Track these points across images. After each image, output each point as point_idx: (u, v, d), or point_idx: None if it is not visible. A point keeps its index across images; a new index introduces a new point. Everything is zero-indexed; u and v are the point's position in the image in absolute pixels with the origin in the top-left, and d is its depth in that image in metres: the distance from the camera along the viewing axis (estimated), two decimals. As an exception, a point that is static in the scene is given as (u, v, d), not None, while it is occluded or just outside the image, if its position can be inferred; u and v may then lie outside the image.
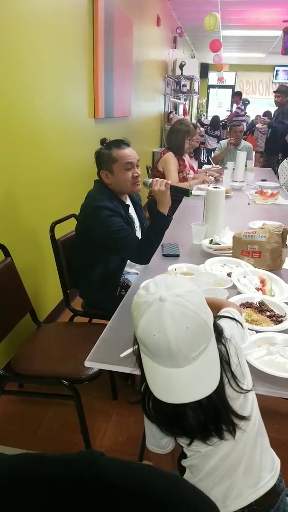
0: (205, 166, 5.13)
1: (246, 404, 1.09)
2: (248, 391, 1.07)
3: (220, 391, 1.00)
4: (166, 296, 0.95)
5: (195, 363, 0.96)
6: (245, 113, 10.62)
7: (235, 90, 14.61)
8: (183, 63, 8.44)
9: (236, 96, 10.86)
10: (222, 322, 1.17)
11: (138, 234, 2.42)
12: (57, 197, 3.16)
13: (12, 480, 0.64)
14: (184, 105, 9.95)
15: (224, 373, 1.01)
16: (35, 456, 0.69)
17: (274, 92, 6.78)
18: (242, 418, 1.05)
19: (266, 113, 10.31)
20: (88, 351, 1.47)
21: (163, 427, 1.09)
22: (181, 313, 0.93)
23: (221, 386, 1.00)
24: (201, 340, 0.96)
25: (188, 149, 4.22)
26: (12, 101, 2.44)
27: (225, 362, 1.03)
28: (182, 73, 8.52)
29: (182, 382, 0.96)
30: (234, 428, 1.03)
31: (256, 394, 1.18)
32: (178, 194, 2.36)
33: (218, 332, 1.07)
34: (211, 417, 1.01)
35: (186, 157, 4.61)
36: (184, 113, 9.81)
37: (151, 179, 2.23)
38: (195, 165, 4.98)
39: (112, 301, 2.19)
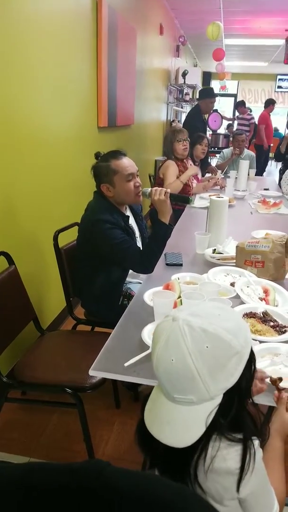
0: (208, 175, 5.13)
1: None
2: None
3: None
4: (179, 314, 0.90)
5: (192, 409, 0.90)
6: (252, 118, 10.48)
7: (238, 99, 14.59)
8: (186, 71, 8.47)
9: (241, 106, 10.73)
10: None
11: (139, 244, 2.43)
12: (61, 206, 3.17)
13: (18, 489, 0.64)
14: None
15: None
16: (41, 465, 0.70)
17: (212, 97, 6.01)
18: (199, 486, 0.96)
19: None
20: (91, 359, 1.47)
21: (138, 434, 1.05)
22: (196, 329, 0.87)
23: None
24: (226, 362, 0.88)
25: (184, 150, 4.18)
26: (16, 109, 2.46)
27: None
28: (184, 81, 8.55)
29: (169, 418, 0.92)
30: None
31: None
32: (179, 203, 2.36)
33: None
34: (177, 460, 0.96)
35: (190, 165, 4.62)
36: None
37: (149, 189, 2.23)
38: (200, 174, 4.99)
39: (115, 311, 2.20)
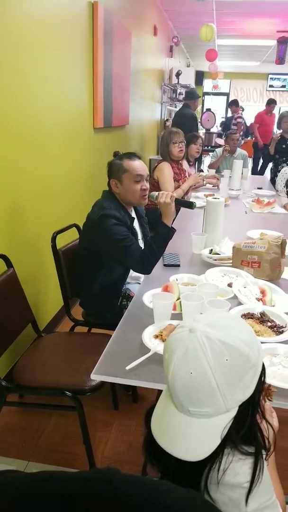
0: (201, 174, 5.14)
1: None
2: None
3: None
4: (196, 325, 0.88)
5: (207, 422, 0.88)
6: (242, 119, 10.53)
7: (230, 98, 14.64)
8: (180, 72, 8.50)
9: (233, 105, 10.74)
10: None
11: (141, 246, 2.44)
12: (58, 207, 3.17)
13: (28, 498, 0.64)
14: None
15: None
16: (51, 474, 0.69)
17: (197, 98, 6.99)
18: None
19: None
20: (90, 361, 1.47)
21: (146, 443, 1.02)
22: (215, 341, 0.85)
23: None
24: (244, 375, 0.87)
25: (180, 153, 4.18)
26: (12, 111, 2.45)
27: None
28: (178, 81, 8.58)
29: (182, 431, 0.89)
30: None
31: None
32: (183, 207, 2.41)
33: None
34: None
35: (185, 165, 4.62)
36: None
37: (157, 192, 2.27)
38: (193, 173, 5.00)
39: (113, 311, 2.21)
